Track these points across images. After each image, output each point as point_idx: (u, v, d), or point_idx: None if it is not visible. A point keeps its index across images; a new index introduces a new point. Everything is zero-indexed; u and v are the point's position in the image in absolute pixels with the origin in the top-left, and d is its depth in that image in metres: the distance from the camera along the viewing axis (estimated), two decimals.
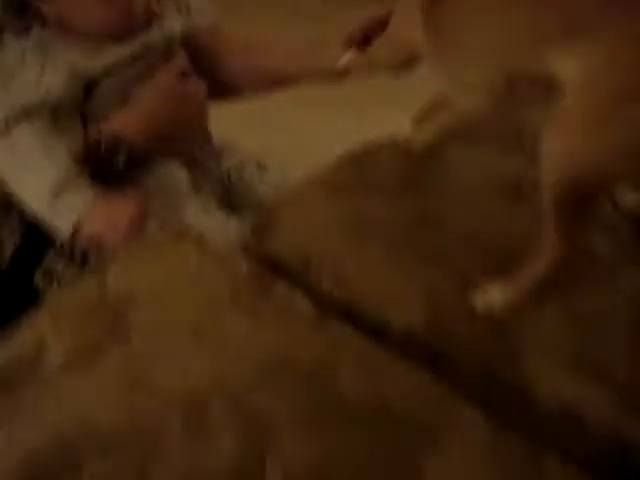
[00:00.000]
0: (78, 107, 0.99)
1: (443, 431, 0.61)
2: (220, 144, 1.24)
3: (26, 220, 1.07)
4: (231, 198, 1.19)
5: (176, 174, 1.10)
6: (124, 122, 1.02)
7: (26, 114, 0.94)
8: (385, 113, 1.59)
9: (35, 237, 1.10)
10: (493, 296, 0.73)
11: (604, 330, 0.70)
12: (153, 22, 1.03)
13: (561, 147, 0.67)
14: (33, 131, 0.94)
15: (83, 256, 1.10)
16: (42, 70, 0.95)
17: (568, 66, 0.68)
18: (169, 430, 0.62)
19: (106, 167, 1.01)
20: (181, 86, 1.06)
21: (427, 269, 0.76)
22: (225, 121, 1.24)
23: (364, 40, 0.99)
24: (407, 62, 0.90)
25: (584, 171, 0.66)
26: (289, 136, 1.97)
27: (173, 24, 1.07)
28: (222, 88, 1.17)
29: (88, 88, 0.99)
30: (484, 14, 0.75)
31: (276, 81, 1.16)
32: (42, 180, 0.93)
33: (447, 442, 0.60)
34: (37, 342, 0.71)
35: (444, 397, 0.64)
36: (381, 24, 0.93)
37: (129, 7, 0.98)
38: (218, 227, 1.01)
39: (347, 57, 0.99)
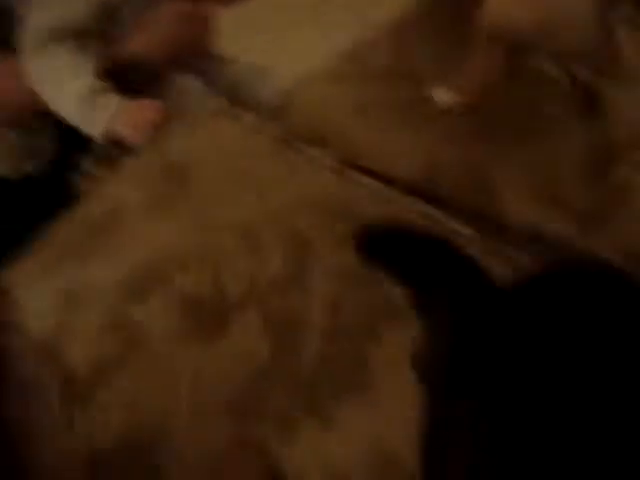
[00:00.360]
0: (102, 30, 1.11)
1: None
2: (221, 54, 1.39)
3: (64, 127, 1.24)
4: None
5: (191, 85, 1.26)
6: (141, 43, 1.17)
7: (57, 36, 1.07)
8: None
9: (73, 143, 1.27)
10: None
11: (561, 170, 0.90)
12: None
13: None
14: (65, 50, 1.07)
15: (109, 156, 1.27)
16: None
17: None
18: (233, 251, 0.82)
19: (127, 84, 1.16)
20: (190, 8, 1.20)
21: (425, 135, 0.95)
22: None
23: None
24: None
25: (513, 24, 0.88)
26: (279, 39, 2.12)
27: None
28: None
29: (110, 13, 1.12)
30: None
31: None
32: (74, 89, 1.07)
33: None
34: (115, 198, 0.89)
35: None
36: None
37: None
38: None
39: None
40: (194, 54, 1.25)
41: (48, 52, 1.08)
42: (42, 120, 1.22)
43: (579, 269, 0.53)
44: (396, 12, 1.16)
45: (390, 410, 0.70)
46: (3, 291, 0.83)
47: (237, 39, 1.27)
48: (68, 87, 1.09)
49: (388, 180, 0.91)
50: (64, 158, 1.26)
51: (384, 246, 0.65)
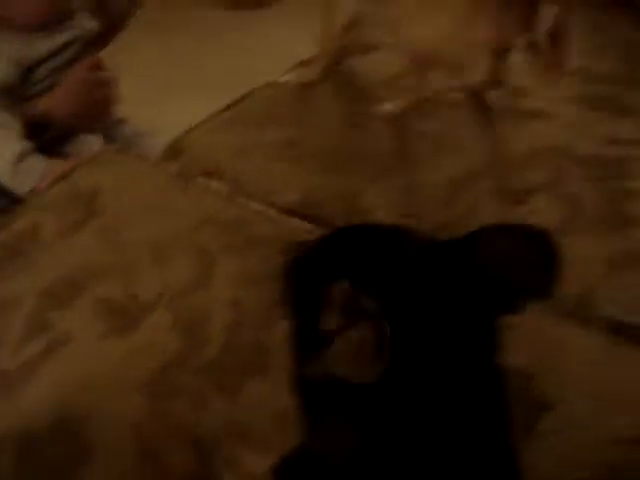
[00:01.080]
0: (18, 90, 1.22)
1: None
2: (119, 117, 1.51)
3: None
4: None
5: (93, 141, 1.36)
6: (50, 104, 1.27)
7: None
8: None
9: None
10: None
11: (423, 193, 1.08)
12: (74, 16, 1.29)
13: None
14: None
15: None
16: None
17: None
18: (143, 263, 0.93)
19: (40, 140, 1.25)
20: (93, 76, 1.31)
21: (302, 168, 1.11)
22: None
23: None
24: None
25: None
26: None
27: (90, 22, 1.33)
28: None
29: (24, 74, 1.23)
30: None
31: None
32: (5, 153, 1.17)
33: None
34: (32, 222, 1.00)
35: None
36: None
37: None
38: None
39: None
40: (96, 115, 1.36)
41: None
42: None
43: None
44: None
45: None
46: None
47: (132, 102, 1.39)
48: None
49: (271, 204, 1.06)
50: None
51: None
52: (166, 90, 2.48)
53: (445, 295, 0.54)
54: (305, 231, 0.99)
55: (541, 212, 1.09)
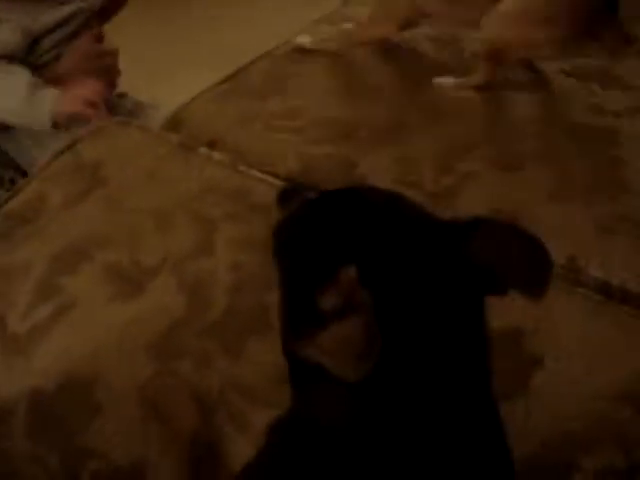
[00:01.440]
0: (24, 60, 1.25)
1: None
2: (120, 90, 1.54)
3: None
4: None
5: None
6: (58, 73, 1.30)
7: None
8: None
9: None
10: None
11: (417, 162, 1.11)
12: None
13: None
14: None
15: (11, 180, 1.40)
16: None
17: None
18: (148, 230, 0.96)
19: None
20: (97, 47, 1.36)
21: (301, 137, 1.14)
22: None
23: None
24: None
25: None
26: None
27: None
28: None
29: (30, 44, 1.26)
30: None
31: None
32: (17, 87, 1.21)
33: None
34: (39, 192, 1.03)
35: None
36: None
37: None
38: None
39: None
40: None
41: None
42: None
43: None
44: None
45: None
46: None
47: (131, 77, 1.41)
48: (9, 86, 1.22)
49: (271, 173, 1.09)
50: None
51: None
52: (165, 65, 2.51)
53: (438, 285, 0.55)
54: None
55: (533, 179, 1.12)
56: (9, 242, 0.97)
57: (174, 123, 1.19)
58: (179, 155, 1.07)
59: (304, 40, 1.36)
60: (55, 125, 1.22)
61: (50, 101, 1.21)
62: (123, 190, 1.02)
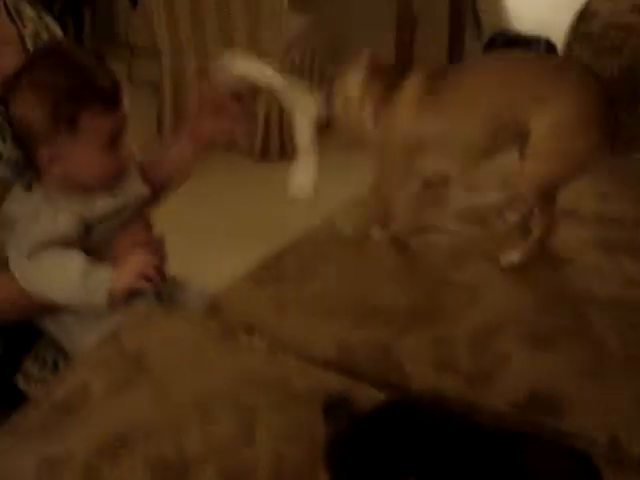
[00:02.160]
0: (81, 243, 1.30)
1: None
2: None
3: (6, 332, 1.39)
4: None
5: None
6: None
7: (46, 245, 1.25)
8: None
9: (15, 347, 1.42)
10: (514, 257, 1.30)
11: (452, 343, 1.13)
12: (128, 180, 1.38)
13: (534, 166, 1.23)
14: (55, 251, 1.25)
15: (54, 362, 1.43)
16: (55, 216, 1.27)
17: (536, 122, 1.20)
18: (190, 419, 0.98)
19: None
20: (146, 235, 1.40)
21: (337, 322, 1.17)
22: None
23: None
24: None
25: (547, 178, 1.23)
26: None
27: (142, 187, 1.42)
28: None
29: (86, 227, 1.31)
30: (478, 92, 1.26)
31: None
32: (73, 268, 1.24)
33: None
34: (82, 380, 1.05)
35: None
36: None
37: (120, 160, 1.32)
38: None
39: None
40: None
41: (41, 255, 1.26)
42: None
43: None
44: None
45: None
46: None
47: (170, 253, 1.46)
48: (63, 271, 1.26)
49: (309, 358, 1.11)
50: (8, 361, 1.41)
51: None
52: (201, 239, 2.59)
53: None
54: (341, 384, 1.04)
55: (567, 356, 1.13)
56: (53, 432, 0.99)
57: (214, 309, 1.23)
58: (220, 343, 1.10)
59: (345, 228, 1.41)
60: (111, 303, 1.25)
61: (106, 280, 1.25)
62: (165, 379, 1.04)
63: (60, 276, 1.26)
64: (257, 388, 1.02)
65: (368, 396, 1.01)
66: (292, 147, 3.72)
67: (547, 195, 1.27)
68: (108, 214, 1.34)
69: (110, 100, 1.29)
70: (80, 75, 1.29)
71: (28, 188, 1.32)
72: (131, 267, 1.27)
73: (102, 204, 1.33)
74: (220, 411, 0.99)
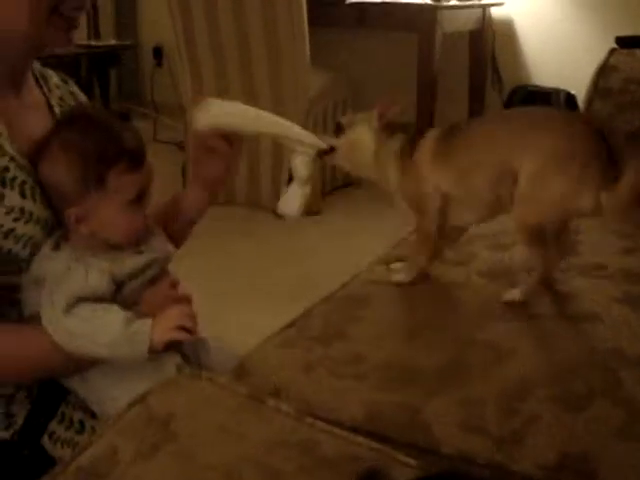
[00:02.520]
0: (112, 300, 1.32)
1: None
2: None
3: (32, 393, 1.39)
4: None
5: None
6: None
7: (81, 301, 1.27)
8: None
9: (41, 408, 1.43)
10: (515, 295, 1.39)
11: (481, 405, 1.12)
12: (152, 235, 1.42)
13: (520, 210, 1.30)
14: (89, 307, 1.27)
15: (81, 422, 1.43)
16: (86, 274, 1.29)
17: (522, 168, 1.29)
18: None
19: None
20: (173, 293, 1.42)
21: (365, 384, 1.17)
22: None
23: None
24: None
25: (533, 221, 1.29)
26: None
27: (166, 245, 1.44)
28: None
29: (117, 284, 1.33)
30: (481, 145, 1.37)
31: None
32: (113, 321, 1.26)
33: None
34: (110, 445, 1.05)
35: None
36: None
37: (144, 220, 1.36)
38: None
39: None
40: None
41: (79, 309, 1.27)
42: (15, 387, 1.38)
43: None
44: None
45: None
46: None
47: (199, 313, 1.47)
48: (104, 324, 1.27)
49: (337, 422, 1.10)
50: (35, 423, 1.40)
51: None
52: (231, 298, 2.59)
53: None
54: (370, 449, 1.03)
55: (599, 417, 1.12)
56: None
57: (241, 371, 1.23)
58: (248, 407, 1.10)
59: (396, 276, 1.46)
60: (151, 355, 1.27)
61: (148, 331, 1.26)
62: (194, 444, 1.04)
63: (102, 328, 1.27)
64: (285, 452, 1.01)
65: (398, 461, 1.00)
66: (315, 202, 3.76)
67: (536, 237, 1.33)
68: (136, 271, 1.36)
69: (136, 159, 1.33)
70: (107, 137, 1.33)
71: (56, 247, 1.34)
72: (169, 320, 1.29)
73: (130, 261, 1.35)
74: (248, 476, 0.98)
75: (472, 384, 1.16)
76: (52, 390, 1.41)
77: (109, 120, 1.39)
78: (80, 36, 4.91)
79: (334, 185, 4.06)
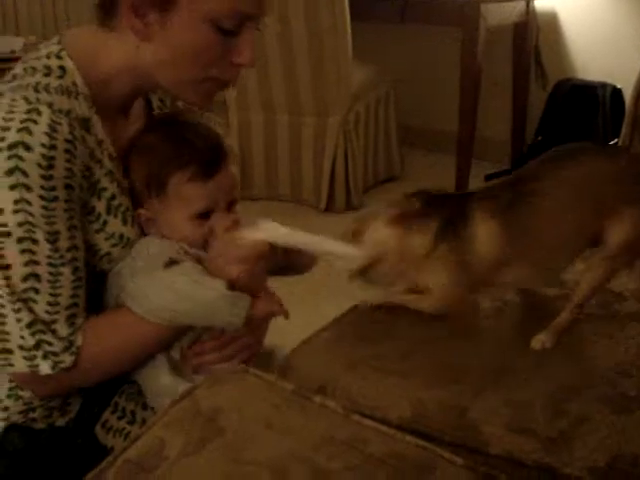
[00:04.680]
0: None
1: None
2: None
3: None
4: None
5: None
6: None
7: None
8: None
9: (96, 398, 1.44)
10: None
11: (529, 406, 1.11)
12: None
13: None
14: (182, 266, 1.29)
15: (132, 413, 1.45)
16: (161, 241, 1.32)
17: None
18: None
19: None
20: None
21: (411, 382, 1.16)
22: None
23: None
24: None
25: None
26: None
27: None
28: None
29: None
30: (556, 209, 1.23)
31: None
32: (215, 283, 1.25)
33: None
34: (159, 439, 1.06)
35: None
36: None
37: (209, 230, 1.34)
38: None
39: None
40: None
41: (174, 270, 1.27)
42: None
43: None
44: None
45: None
46: None
47: None
48: (203, 292, 1.25)
49: (383, 421, 1.10)
50: (89, 411, 1.43)
51: None
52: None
53: None
54: (417, 447, 1.03)
55: None
56: None
57: (287, 368, 1.23)
58: (294, 403, 1.10)
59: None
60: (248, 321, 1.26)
61: (249, 298, 1.25)
62: (240, 440, 1.04)
63: (204, 290, 1.25)
64: (332, 449, 1.01)
65: (444, 460, 1.00)
66: (356, 197, 3.74)
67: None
68: None
69: (204, 170, 1.32)
70: (177, 144, 1.34)
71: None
72: (272, 299, 1.31)
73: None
74: (295, 473, 0.98)
75: (520, 384, 1.15)
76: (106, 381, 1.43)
77: (190, 128, 1.38)
78: None
79: (375, 180, 4.05)
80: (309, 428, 1.06)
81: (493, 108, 4.31)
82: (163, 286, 1.27)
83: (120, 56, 1.28)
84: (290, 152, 3.81)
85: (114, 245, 1.32)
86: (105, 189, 1.30)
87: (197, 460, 1.03)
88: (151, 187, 1.32)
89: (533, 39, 4.18)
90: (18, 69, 1.28)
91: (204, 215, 1.34)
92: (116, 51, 1.28)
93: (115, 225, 1.31)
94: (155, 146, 1.33)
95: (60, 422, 1.39)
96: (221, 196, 1.35)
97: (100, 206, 1.30)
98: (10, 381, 1.34)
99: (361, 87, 3.80)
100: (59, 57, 1.28)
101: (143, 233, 1.37)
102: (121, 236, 1.32)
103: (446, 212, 1.23)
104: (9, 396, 1.35)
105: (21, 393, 1.35)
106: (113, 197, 1.31)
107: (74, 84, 1.27)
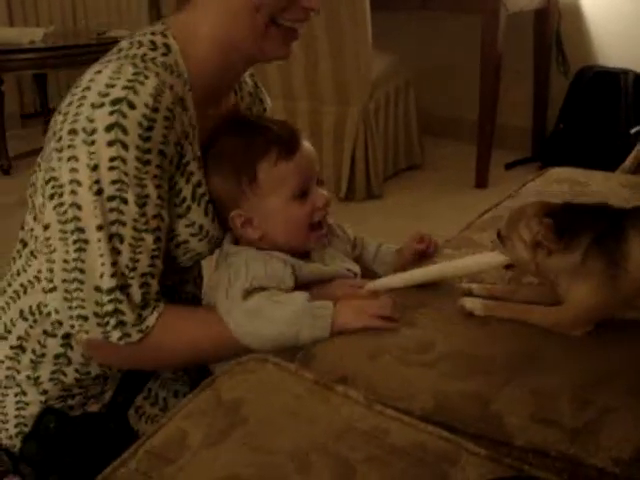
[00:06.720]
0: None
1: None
2: None
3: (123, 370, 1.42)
4: None
5: None
6: None
7: (259, 289, 1.27)
8: None
9: (130, 383, 1.45)
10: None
11: (554, 396, 1.09)
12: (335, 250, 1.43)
13: None
14: (266, 292, 1.27)
15: (164, 400, 1.46)
16: (265, 264, 1.29)
17: None
18: (286, 472, 0.97)
19: None
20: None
21: (433, 372, 1.15)
22: None
23: None
24: None
25: None
26: None
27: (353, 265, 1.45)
28: None
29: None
30: None
31: None
32: (294, 299, 1.26)
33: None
34: (180, 429, 1.06)
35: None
36: None
37: (311, 208, 1.35)
38: None
39: None
40: None
41: (254, 295, 1.27)
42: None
43: None
44: None
45: None
46: None
47: None
48: (286, 304, 1.26)
49: (405, 411, 1.09)
50: (123, 396, 1.45)
51: None
52: None
53: None
54: (440, 438, 1.02)
55: None
56: None
57: (308, 358, 1.22)
58: (316, 393, 1.09)
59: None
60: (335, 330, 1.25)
61: (331, 307, 1.25)
62: (263, 429, 1.04)
63: (282, 304, 1.26)
64: (354, 439, 1.01)
65: (468, 451, 0.99)
66: (377, 185, 3.72)
67: None
68: (314, 280, 1.35)
69: (286, 147, 1.32)
70: (252, 132, 1.34)
71: (236, 242, 1.38)
72: (369, 308, 1.27)
73: (308, 269, 1.35)
74: (318, 463, 0.98)
75: (544, 374, 1.14)
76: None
77: (257, 119, 1.42)
78: None
79: (396, 168, 4.03)
80: (331, 418, 1.05)
81: (514, 96, 4.27)
82: (240, 311, 1.27)
83: (207, 31, 1.29)
84: (310, 141, 3.79)
85: (193, 235, 1.32)
86: (193, 174, 1.30)
87: (219, 450, 1.02)
88: (242, 182, 1.31)
89: (554, 26, 4.14)
90: (124, 43, 1.28)
91: (301, 195, 1.33)
92: (202, 27, 1.29)
93: (197, 214, 1.31)
94: (230, 144, 1.33)
95: (94, 408, 1.40)
96: (309, 172, 1.35)
97: (187, 190, 1.29)
98: (55, 364, 1.35)
99: (381, 76, 3.78)
100: (164, 35, 1.29)
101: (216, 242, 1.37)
102: (201, 227, 1.32)
103: (597, 229, 1.19)
104: (51, 379, 1.36)
105: (62, 378, 1.36)
106: (199, 184, 1.31)
107: (176, 63, 1.27)
